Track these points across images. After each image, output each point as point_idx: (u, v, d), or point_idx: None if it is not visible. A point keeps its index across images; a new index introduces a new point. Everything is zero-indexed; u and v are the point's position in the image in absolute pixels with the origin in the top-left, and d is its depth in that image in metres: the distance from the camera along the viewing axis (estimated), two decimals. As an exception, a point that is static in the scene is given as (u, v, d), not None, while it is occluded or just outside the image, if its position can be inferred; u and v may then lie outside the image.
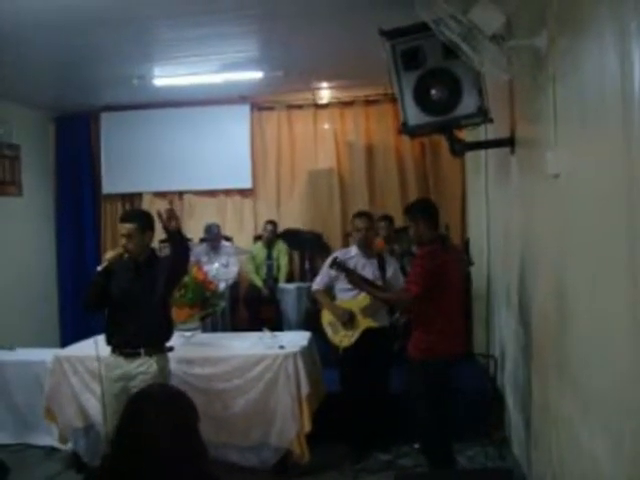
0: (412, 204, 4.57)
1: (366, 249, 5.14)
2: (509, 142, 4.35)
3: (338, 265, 4.77)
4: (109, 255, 4.11)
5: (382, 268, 5.09)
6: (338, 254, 5.18)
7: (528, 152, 3.99)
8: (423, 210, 4.28)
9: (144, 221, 4.12)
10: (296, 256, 8.41)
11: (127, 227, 4.07)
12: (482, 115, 4.04)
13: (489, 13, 3.34)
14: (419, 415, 4.19)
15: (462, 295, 4.65)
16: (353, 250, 5.20)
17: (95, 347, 4.05)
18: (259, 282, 7.85)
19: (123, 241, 4.08)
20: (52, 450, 5.31)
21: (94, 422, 4.82)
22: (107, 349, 4.18)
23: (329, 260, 5.22)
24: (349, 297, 5.07)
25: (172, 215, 4.03)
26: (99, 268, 4.09)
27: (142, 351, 4.08)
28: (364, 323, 4.97)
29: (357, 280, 4.68)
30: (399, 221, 7.35)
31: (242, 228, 8.67)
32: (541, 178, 3.43)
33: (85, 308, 4.36)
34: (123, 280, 4.11)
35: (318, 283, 5.28)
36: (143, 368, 4.06)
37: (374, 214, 5.72)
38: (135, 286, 4.09)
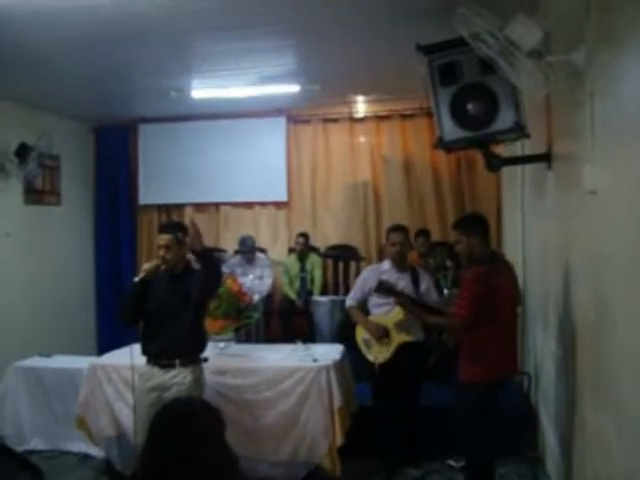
0: (464, 218, 4.43)
1: (400, 263, 5.04)
2: (546, 158, 4.30)
3: (385, 289, 4.67)
4: (146, 266, 4.17)
5: (415, 283, 5.00)
6: (370, 270, 5.15)
7: (565, 168, 3.94)
8: (476, 224, 4.08)
9: (182, 232, 4.18)
10: (330, 269, 8.42)
11: (165, 238, 4.13)
12: (519, 130, 4.00)
13: (526, 29, 3.31)
14: (465, 434, 4.09)
15: (515, 315, 4.26)
16: (386, 264, 5.11)
17: (130, 355, 4.11)
18: (293, 294, 7.86)
19: (161, 252, 4.14)
20: (85, 457, 5.37)
21: (126, 431, 4.85)
22: (143, 359, 4.23)
23: (363, 275, 5.21)
24: (382, 312, 4.98)
25: (195, 232, 4.08)
26: (136, 279, 4.15)
27: (177, 362, 4.12)
28: (398, 338, 4.89)
29: (407, 303, 4.58)
30: (434, 235, 7.35)
31: (277, 240, 8.70)
32: (578, 194, 3.39)
33: (122, 320, 4.41)
34: (159, 291, 4.17)
35: (352, 299, 5.17)
36: (178, 379, 4.10)
37: (411, 228, 5.66)
38: (171, 297, 4.15)
